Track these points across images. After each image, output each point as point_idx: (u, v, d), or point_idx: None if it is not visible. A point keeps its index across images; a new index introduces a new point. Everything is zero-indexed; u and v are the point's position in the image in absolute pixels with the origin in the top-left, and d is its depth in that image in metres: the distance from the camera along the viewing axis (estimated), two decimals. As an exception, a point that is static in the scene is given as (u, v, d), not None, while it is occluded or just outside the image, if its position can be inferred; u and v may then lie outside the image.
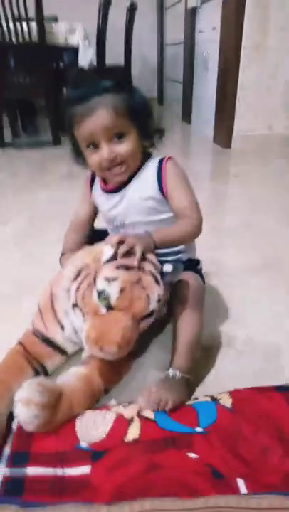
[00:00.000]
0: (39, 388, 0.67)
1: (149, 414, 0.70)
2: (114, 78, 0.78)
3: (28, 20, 2.59)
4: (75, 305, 0.75)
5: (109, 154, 0.77)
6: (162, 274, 0.73)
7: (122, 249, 0.70)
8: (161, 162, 0.84)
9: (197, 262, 0.96)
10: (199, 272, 0.93)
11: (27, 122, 3.70)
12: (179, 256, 0.86)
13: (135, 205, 0.84)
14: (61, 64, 3.27)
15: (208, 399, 0.73)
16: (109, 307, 0.68)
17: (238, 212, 1.78)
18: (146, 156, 0.85)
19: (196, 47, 3.38)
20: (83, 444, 0.66)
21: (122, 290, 0.67)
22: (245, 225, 1.61)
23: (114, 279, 0.68)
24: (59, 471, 0.61)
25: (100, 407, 0.74)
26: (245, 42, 2.52)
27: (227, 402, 0.72)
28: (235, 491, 0.56)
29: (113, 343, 0.64)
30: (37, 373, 0.80)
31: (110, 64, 3.62)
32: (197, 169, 2.48)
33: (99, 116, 0.74)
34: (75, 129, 0.79)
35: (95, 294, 0.69)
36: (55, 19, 3.56)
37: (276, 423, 0.68)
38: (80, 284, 0.73)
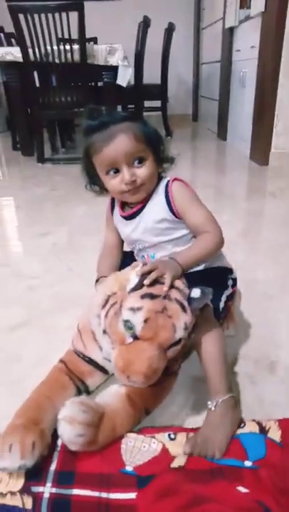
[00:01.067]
0: (82, 407, 0.67)
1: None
2: (128, 111, 0.81)
3: (71, 41, 2.69)
4: (104, 331, 0.75)
5: (131, 177, 0.79)
6: (190, 300, 0.71)
7: (153, 276, 0.70)
8: (167, 185, 0.85)
9: (225, 269, 0.92)
10: (226, 281, 0.90)
11: (66, 139, 3.82)
12: (205, 264, 0.86)
13: (151, 228, 0.86)
14: (100, 83, 3.37)
15: (256, 428, 0.71)
16: (135, 336, 0.68)
17: (276, 231, 1.74)
18: (158, 179, 0.88)
19: (233, 65, 3.40)
20: (128, 469, 0.65)
21: (146, 320, 0.66)
22: (282, 245, 1.58)
23: (139, 308, 0.67)
24: (104, 495, 0.60)
25: (145, 429, 0.73)
26: (284, 59, 2.50)
27: (276, 434, 0.69)
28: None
29: (139, 374, 0.64)
30: (79, 390, 0.81)
31: (147, 83, 3.70)
32: (233, 187, 2.46)
33: (120, 142, 0.78)
34: (94, 157, 0.82)
35: (120, 324, 0.69)
36: (95, 41, 3.69)
37: None
38: (107, 312, 0.74)
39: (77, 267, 1.43)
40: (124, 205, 0.91)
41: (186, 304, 0.70)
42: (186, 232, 0.86)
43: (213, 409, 0.72)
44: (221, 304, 0.84)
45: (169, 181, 0.86)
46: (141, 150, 0.79)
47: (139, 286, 0.70)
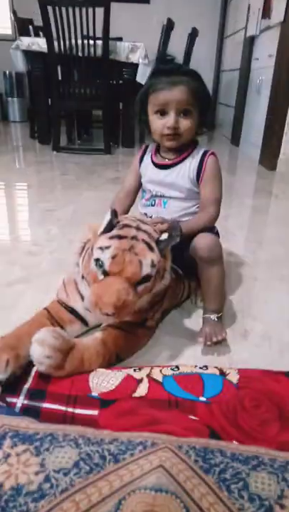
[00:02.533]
0: (54, 333, 0.74)
1: (157, 377, 0.75)
2: (193, 69, 0.93)
3: (95, 38, 2.80)
4: (83, 276, 0.83)
5: (175, 123, 0.90)
6: (158, 242, 0.79)
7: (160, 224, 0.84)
8: (204, 154, 0.97)
9: (213, 227, 1.04)
10: (216, 234, 1.03)
11: (83, 132, 3.93)
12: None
13: (178, 182, 0.97)
14: (120, 81, 3.47)
15: (217, 372, 0.77)
16: (106, 273, 0.74)
17: (274, 228, 1.81)
18: (194, 143, 0.99)
19: (251, 73, 3.48)
20: (94, 394, 0.71)
21: (114, 256, 0.73)
22: (275, 238, 1.65)
23: (108, 247, 0.74)
24: (70, 409, 0.67)
25: (113, 367, 0.80)
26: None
27: (234, 378, 0.75)
28: (229, 448, 0.59)
29: (108, 304, 0.70)
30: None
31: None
32: (240, 187, 2.53)
33: (178, 90, 0.88)
34: (151, 95, 0.91)
35: (92, 263, 0.76)
36: (120, 39, 3.80)
37: (279, 402, 0.70)
38: (83, 257, 0.82)
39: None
40: (158, 155, 1.01)
41: (153, 244, 0.77)
42: (194, 204, 0.99)
43: (214, 319, 0.93)
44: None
45: (207, 152, 0.97)
46: (191, 104, 0.89)
47: (108, 228, 0.77)
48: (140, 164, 1.04)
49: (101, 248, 0.75)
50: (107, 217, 0.79)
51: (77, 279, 0.89)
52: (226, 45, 4.74)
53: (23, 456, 0.46)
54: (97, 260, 0.75)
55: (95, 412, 0.67)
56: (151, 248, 0.76)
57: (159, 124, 0.92)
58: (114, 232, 0.77)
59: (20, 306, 1.05)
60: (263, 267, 1.39)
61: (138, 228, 0.79)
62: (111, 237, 0.76)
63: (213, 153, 0.98)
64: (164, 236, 0.79)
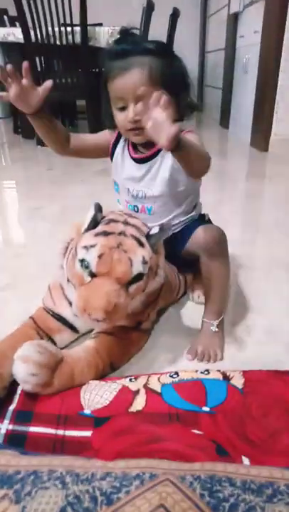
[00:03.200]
0: (38, 348, 0.67)
1: (155, 386, 0.69)
2: (158, 43, 0.77)
3: (72, 25, 2.68)
4: (68, 280, 0.75)
5: (134, 116, 0.75)
6: (148, 236, 0.71)
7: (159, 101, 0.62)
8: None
9: (204, 215, 0.96)
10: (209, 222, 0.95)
11: (68, 124, 3.81)
12: (193, 214, 0.91)
13: (159, 175, 0.84)
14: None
15: (220, 376, 0.70)
16: (93, 275, 0.67)
17: (270, 212, 1.75)
18: None
19: (237, 52, 3.36)
20: (87, 411, 0.65)
21: (100, 256, 0.66)
22: (271, 223, 1.59)
23: (93, 245, 0.67)
24: (60, 432, 0.60)
25: (106, 378, 0.73)
26: (286, 44, 2.47)
27: (239, 382, 0.69)
28: (238, 466, 0.53)
29: (98, 309, 0.63)
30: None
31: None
32: (233, 171, 2.44)
33: (132, 75, 0.73)
34: (108, 85, 0.78)
35: (77, 264, 0.69)
36: (100, 25, 3.67)
37: (288, 407, 0.64)
38: (67, 258, 0.74)
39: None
40: (135, 147, 0.87)
41: (143, 239, 0.70)
42: (183, 189, 0.85)
43: (214, 329, 0.85)
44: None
45: (183, 130, 0.77)
46: (153, 89, 0.70)
47: (92, 225, 0.70)
48: (113, 152, 0.90)
49: (86, 247, 0.67)
50: (91, 212, 0.71)
51: (63, 283, 0.82)
52: (209, 24, 4.60)
53: (1, 505, 0.40)
54: (82, 261, 0.67)
55: (87, 433, 0.60)
56: (141, 244, 0.69)
57: (120, 119, 0.78)
58: (100, 228, 0.70)
59: (5, 315, 0.98)
60: (260, 254, 1.32)
61: (126, 223, 0.72)
62: (96, 234, 0.69)
63: (190, 131, 0.81)
64: (155, 230, 0.71)
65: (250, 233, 1.50)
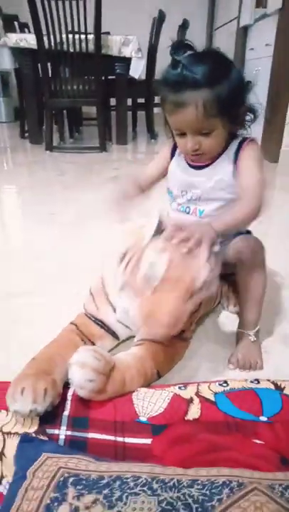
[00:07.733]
0: (95, 354, 0.66)
1: (208, 395, 0.68)
2: (212, 65, 0.73)
3: (86, 33, 2.70)
4: (123, 287, 0.73)
5: (193, 146, 0.77)
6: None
7: (181, 236, 0.67)
8: (242, 141, 0.81)
9: (249, 231, 0.97)
10: None
11: (74, 130, 3.81)
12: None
13: (216, 179, 0.83)
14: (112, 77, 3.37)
15: (271, 386, 0.70)
16: (157, 287, 0.65)
17: (284, 222, 1.76)
18: (232, 136, 0.82)
19: (246, 64, 3.41)
20: (143, 419, 0.64)
21: (171, 261, 0.65)
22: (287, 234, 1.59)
23: (163, 250, 0.66)
24: (119, 439, 0.59)
25: (155, 385, 0.72)
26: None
27: (292, 391, 0.68)
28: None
29: (164, 325, 0.63)
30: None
31: (159, 79, 3.70)
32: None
33: (186, 114, 0.73)
34: (166, 112, 0.79)
35: (142, 270, 0.67)
36: (108, 34, 3.70)
37: None
38: (126, 266, 0.71)
39: (83, 244, 1.42)
40: None
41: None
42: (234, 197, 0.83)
43: (252, 339, 0.86)
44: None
45: (245, 139, 0.81)
46: (208, 124, 0.74)
47: (158, 232, 0.69)
48: (171, 158, 0.91)
49: (156, 251, 0.67)
50: (156, 219, 0.70)
51: (111, 291, 0.81)
52: (216, 37, 4.66)
53: (95, 509, 0.39)
54: (152, 264, 0.66)
55: (148, 441, 0.59)
56: (207, 252, 0.67)
57: (180, 144, 0.81)
58: (167, 234, 0.68)
59: (35, 320, 0.97)
60: (285, 262, 1.32)
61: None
62: (165, 240, 0.67)
63: (252, 140, 0.81)
64: (216, 248, 0.69)
65: (270, 243, 1.50)
